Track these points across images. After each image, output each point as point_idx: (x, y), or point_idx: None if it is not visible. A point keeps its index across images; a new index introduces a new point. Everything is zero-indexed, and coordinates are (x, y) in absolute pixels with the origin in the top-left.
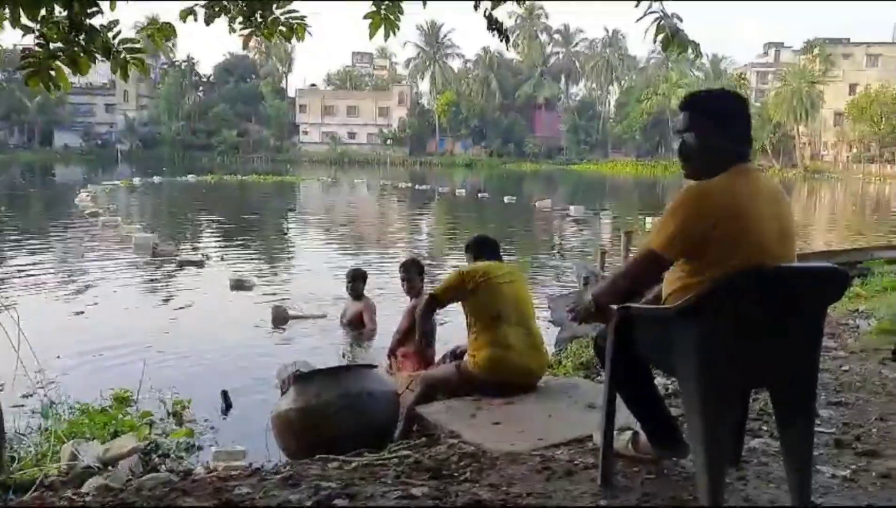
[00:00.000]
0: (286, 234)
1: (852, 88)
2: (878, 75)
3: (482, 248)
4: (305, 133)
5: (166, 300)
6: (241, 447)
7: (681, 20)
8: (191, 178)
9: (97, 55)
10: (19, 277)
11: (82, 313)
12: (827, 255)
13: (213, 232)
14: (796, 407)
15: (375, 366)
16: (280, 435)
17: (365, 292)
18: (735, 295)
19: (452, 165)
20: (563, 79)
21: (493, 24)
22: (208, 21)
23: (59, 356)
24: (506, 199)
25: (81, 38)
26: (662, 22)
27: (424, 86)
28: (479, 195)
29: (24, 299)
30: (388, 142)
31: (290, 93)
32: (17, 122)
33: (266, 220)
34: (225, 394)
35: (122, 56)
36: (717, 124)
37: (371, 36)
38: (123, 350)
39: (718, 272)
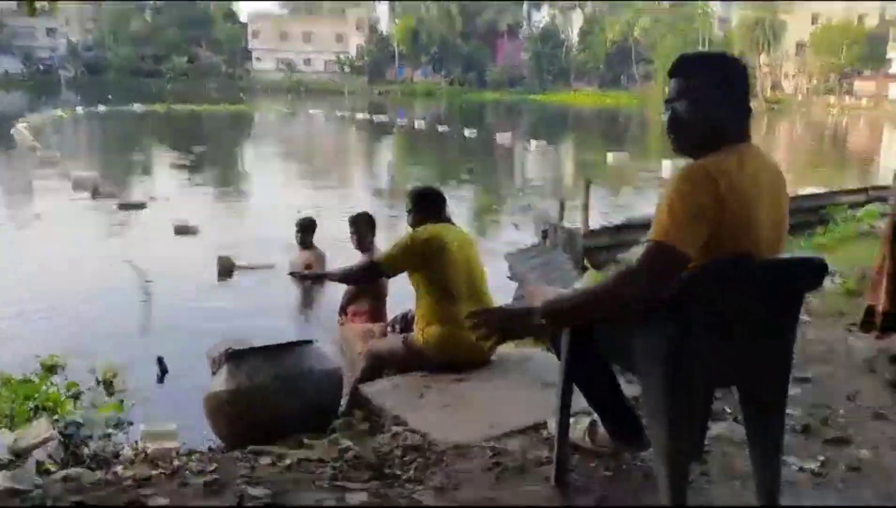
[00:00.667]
0: (238, 171)
1: (815, 18)
2: (841, 6)
3: (429, 204)
4: (259, 60)
5: (104, 249)
6: (173, 424)
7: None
8: (137, 107)
9: None
10: None
11: (10, 262)
12: (790, 201)
13: (159, 169)
14: (768, 407)
15: (314, 342)
16: (212, 419)
17: (315, 240)
18: (720, 287)
19: (412, 93)
20: (524, 5)
21: None
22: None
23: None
24: (466, 132)
25: None
26: None
27: (382, 9)
28: (439, 128)
29: None
30: (346, 70)
31: (242, 18)
32: None
33: (217, 155)
34: (160, 360)
35: None
36: (714, 93)
37: None
38: (55, 306)
39: (703, 262)
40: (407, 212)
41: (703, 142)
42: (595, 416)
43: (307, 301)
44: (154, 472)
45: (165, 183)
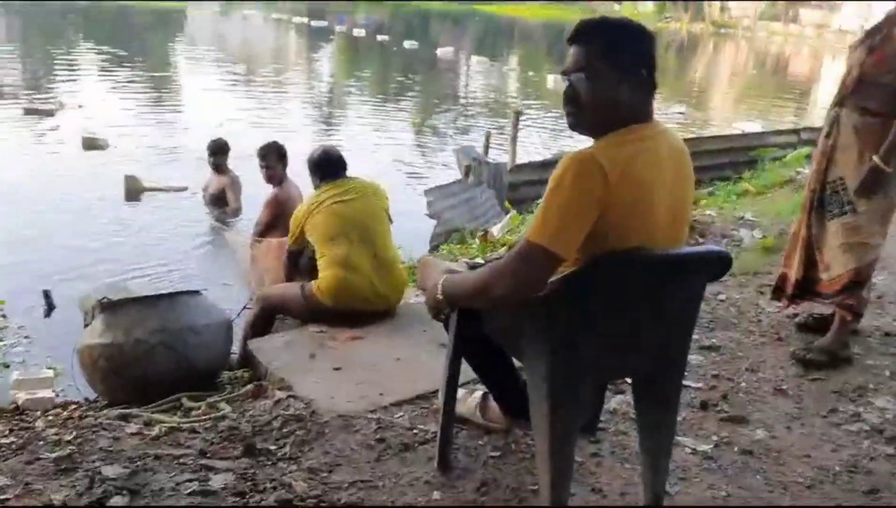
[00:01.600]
0: (164, 77)
1: None
2: None
3: (326, 168)
4: None
5: (6, 164)
6: (49, 370)
7: None
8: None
9: None
10: None
11: None
12: (721, 140)
13: (73, 72)
14: (660, 401)
15: (201, 292)
16: (86, 373)
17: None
18: (603, 286)
19: None
20: None
21: None
22: None
23: None
24: (406, 44)
25: None
26: None
27: None
28: (379, 38)
29: None
30: None
31: None
32: None
33: (143, 57)
34: (46, 294)
35: None
36: (615, 67)
37: None
38: None
39: (589, 254)
40: (309, 172)
41: (600, 122)
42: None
43: (219, 229)
44: (3, 441)
45: (81, 87)
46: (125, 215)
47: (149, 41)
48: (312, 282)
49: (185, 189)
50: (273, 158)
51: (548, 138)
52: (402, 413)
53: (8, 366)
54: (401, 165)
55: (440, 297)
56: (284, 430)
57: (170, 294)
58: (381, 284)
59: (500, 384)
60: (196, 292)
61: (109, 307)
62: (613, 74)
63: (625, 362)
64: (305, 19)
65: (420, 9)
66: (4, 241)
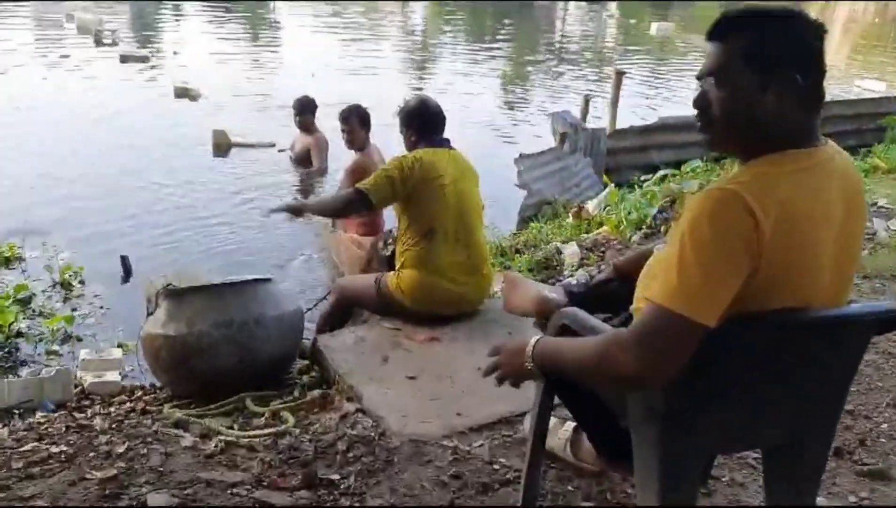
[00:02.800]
0: (259, 20)
1: None
2: None
3: (424, 123)
4: None
5: (94, 109)
6: (119, 348)
7: None
8: None
9: None
10: None
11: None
12: (844, 105)
13: (172, 15)
14: (797, 475)
15: (269, 280)
16: (149, 361)
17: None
18: (745, 345)
19: None
20: None
21: None
22: None
23: None
24: None
25: None
26: None
27: None
28: None
29: None
30: None
31: None
32: None
33: (240, 9)
34: (124, 260)
35: None
36: (758, 70)
37: None
38: (28, 178)
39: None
40: (400, 122)
41: (741, 142)
42: None
43: (304, 190)
44: (53, 448)
45: (178, 32)
46: (211, 172)
47: None
48: (391, 276)
49: (272, 145)
50: (355, 121)
51: (648, 98)
52: (481, 442)
53: (80, 339)
54: (490, 126)
55: (530, 366)
56: (350, 455)
57: (236, 283)
58: (468, 287)
59: (595, 424)
60: (266, 280)
61: (173, 296)
62: (755, 80)
63: (758, 432)
64: None
65: None
66: (89, 197)
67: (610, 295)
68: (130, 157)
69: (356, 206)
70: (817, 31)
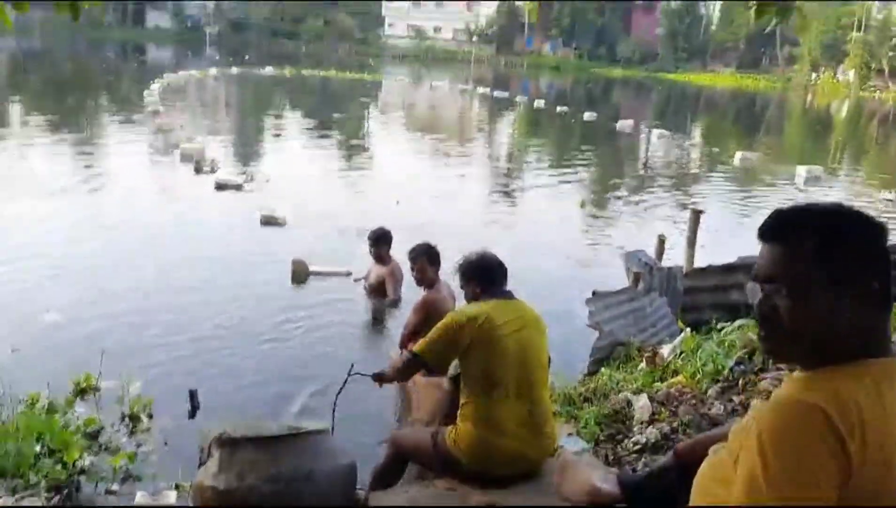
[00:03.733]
0: (351, 146)
1: None
2: None
3: (485, 278)
4: (391, 25)
5: (181, 235)
6: (174, 493)
7: None
8: (269, 70)
9: None
10: (40, 185)
11: (89, 245)
12: None
13: (269, 141)
14: None
15: (324, 430)
16: None
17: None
18: None
19: (539, 66)
20: None
21: None
22: None
23: (48, 310)
24: (586, 116)
25: None
26: None
27: None
28: (559, 109)
29: (26, 218)
30: (474, 39)
31: None
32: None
33: (336, 125)
34: (192, 394)
35: None
36: (831, 278)
37: None
38: (117, 299)
39: None
40: (460, 277)
41: (811, 352)
42: None
43: (377, 320)
44: None
45: (273, 157)
46: (288, 301)
47: (347, 109)
48: (448, 431)
49: (349, 274)
50: (424, 261)
51: (728, 233)
52: None
53: (140, 479)
54: (563, 261)
55: None
56: None
57: (290, 435)
58: (530, 446)
59: None
60: (320, 432)
61: (226, 445)
62: (829, 288)
63: None
64: (488, 89)
65: (600, 76)
66: (169, 325)
67: (667, 487)
68: (211, 285)
69: (417, 368)
70: (882, 231)
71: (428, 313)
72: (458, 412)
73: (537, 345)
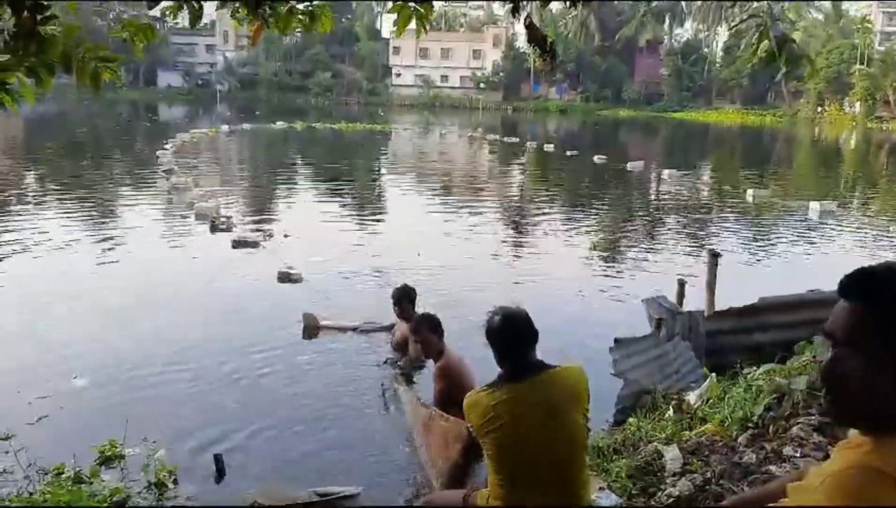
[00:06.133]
0: (364, 198)
1: None
2: None
3: (510, 345)
4: (398, 75)
5: (197, 293)
6: None
7: (792, 24)
8: (280, 124)
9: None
10: (59, 247)
11: (110, 306)
12: None
13: (286, 197)
14: None
15: (357, 495)
16: None
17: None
18: None
19: (546, 110)
20: (667, 20)
21: (535, 37)
22: (193, 23)
23: (75, 377)
24: (596, 158)
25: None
26: (767, 28)
27: (520, 27)
28: (568, 153)
29: (47, 280)
30: (481, 86)
31: (385, 34)
32: (122, 61)
33: (347, 177)
34: (217, 459)
35: (91, 65)
36: None
37: (399, 34)
38: (132, 363)
39: None
40: (487, 340)
41: (878, 418)
42: None
43: (397, 373)
44: None
45: (289, 211)
46: (305, 357)
47: (356, 160)
48: (482, 494)
49: (356, 328)
50: (425, 330)
51: (747, 274)
52: None
53: None
54: (581, 309)
55: None
56: None
57: (320, 502)
58: None
59: None
60: (351, 496)
61: None
62: None
63: None
64: (498, 135)
65: (607, 117)
66: (191, 387)
67: None
68: (231, 346)
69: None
70: None
71: (450, 379)
72: (489, 484)
73: (565, 423)
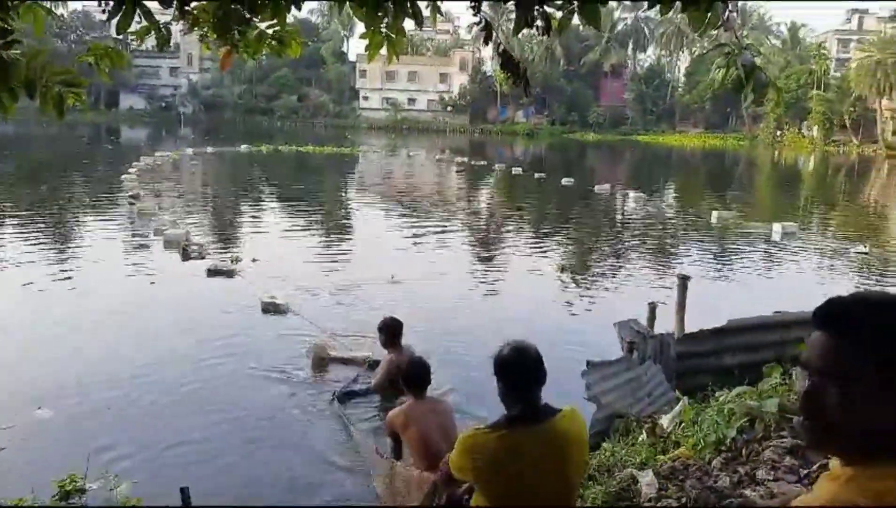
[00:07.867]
0: (336, 223)
1: None
2: None
3: (515, 382)
4: (365, 98)
5: (180, 326)
6: None
7: (758, 53)
8: (244, 148)
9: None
10: (30, 282)
11: (80, 337)
12: None
13: (253, 222)
14: None
15: None
16: None
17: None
18: None
19: (513, 133)
20: (630, 45)
21: (509, 64)
22: (160, 47)
23: (40, 408)
24: (564, 181)
25: None
26: (734, 57)
27: (487, 51)
28: (537, 176)
29: (15, 311)
30: (448, 109)
31: (351, 57)
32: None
33: (316, 200)
34: (183, 491)
35: (55, 90)
36: (883, 370)
37: (370, 59)
38: (100, 395)
39: None
40: (496, 376)
41: (855, 450)
42: None
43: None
44: None
45: (258, 236)
46: (309, 390)
47: (323, 183)
48: None
49: (367, 359)
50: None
51: (715, 296)
52: None
53: None
54: (555, 327)
55: None
56: None
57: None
58: None
59: None
60: None
61: None
62: (880, 384)
63: None
64: (465, 158)
65: (573, 141)
66: (163, 420)
67: None
68: (202, 379)
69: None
70: None
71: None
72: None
73: (577, 475)
